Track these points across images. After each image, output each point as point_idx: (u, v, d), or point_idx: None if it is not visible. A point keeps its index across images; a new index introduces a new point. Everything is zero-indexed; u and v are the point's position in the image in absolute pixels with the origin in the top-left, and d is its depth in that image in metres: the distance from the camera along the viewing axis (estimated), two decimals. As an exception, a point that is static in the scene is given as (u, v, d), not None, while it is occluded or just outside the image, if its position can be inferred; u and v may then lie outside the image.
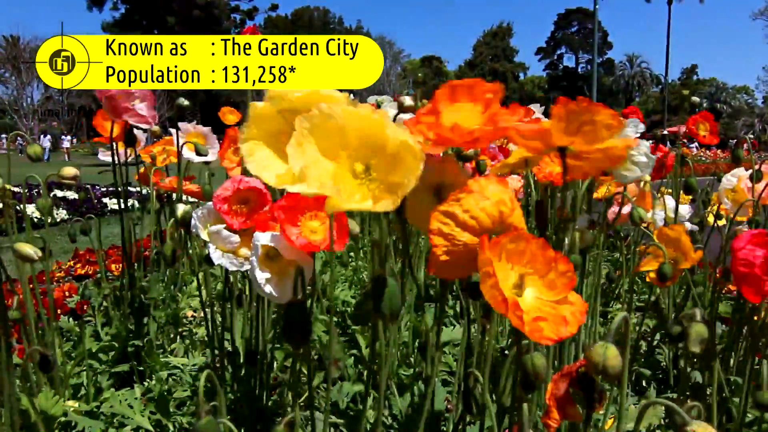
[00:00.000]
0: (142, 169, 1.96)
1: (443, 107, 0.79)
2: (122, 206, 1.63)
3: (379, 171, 0.57)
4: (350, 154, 0.57)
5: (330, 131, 0.56)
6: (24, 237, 1.46)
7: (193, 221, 1.01)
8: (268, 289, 0.80)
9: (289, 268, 0.82)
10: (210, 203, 1.01)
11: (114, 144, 1.58)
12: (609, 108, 0.62)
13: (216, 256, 0.97)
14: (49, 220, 1.41)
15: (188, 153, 1.94)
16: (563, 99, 0.63)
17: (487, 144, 0.82)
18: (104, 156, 1.89)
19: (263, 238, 0.80)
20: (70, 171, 1.25)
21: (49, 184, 7.05)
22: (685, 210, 1.59)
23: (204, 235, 1.00)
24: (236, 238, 0.97)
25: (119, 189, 1.64)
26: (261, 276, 0.80)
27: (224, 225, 0.97)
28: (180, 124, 1.97)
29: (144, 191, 2.28)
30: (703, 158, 16.67)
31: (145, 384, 1.46)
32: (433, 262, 0.62)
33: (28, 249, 0.82)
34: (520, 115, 0.68)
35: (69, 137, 22.89)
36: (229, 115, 2.35)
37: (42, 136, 22.07)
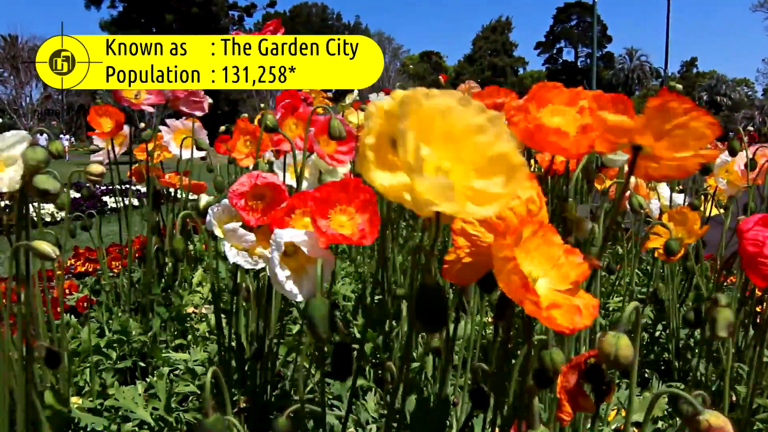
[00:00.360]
0: (134, 167, 1.95)
1: (537, 108, 0.75)
2: (123, 203, 1.63)
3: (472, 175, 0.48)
4: (444, 154, 0.48)
5: (427, 127, 0.46)
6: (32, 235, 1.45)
7: (208, 218, 1.00)
8: (288, 286, 0.79)
9: (306, 266, 0.81)
10: (225, 200, 1.00)
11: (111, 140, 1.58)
12: (709, 114, 0.59)
13: (231, 254, 0.96)
14: (49, 219, 1.40)
15: (176, 149, 1.94)
16: (664, 91, 0.59)
17: (576, 157, 0.76)
18: (98, 157, 1.89)
19: (286, 235, 0.79)
20: (97, 168, 1.25)
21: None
22: (680, 199, 1.59)
23: (219, 232, 1.00)
24: (252, 236, 0.96)
25: (115, 186, 1.64)
26: (282, 274, 0.78)
27: (240, 223, 0.96)
28: (168, 121, 1.96)
29: (142, 189, 2.27)
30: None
31: (148, 380, 1.46)
32: (450, 267, 0.59)
33: (46, 247, 0.81)
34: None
35: (67, 137, 22.56)
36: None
37: (39, 135, 21.75)
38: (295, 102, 1.40)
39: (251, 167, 1.42)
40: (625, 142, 0.64)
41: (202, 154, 2.06)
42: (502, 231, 0.56)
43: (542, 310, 0.50)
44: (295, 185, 1.27)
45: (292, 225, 0.85)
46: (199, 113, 1.64)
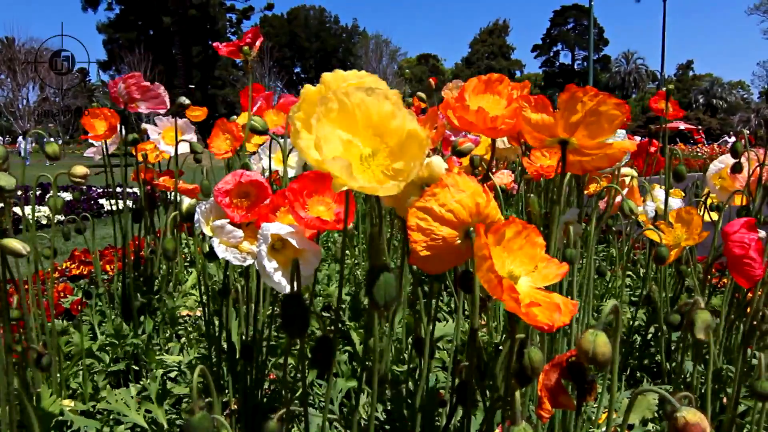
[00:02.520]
0: (133, 171, 1.96)
1: (470, 96, 0.81)
2: (117, 206, 1.63)
3: (385, 156, 0.59)
4: (360, 138, 0.59)
5: (343, 116, 0.58)
6: (23, 237, 1.46)
7: (196, 216, 1.01)
8: (276, 278, 0.81)
9: (294, 259, 0.83)
10: (212, 198, 1.01)
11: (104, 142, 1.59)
12: (614, 96, 0.64)
13: (220, 250, 0.98)
14: (45, 222, 1.41)
15: (166, 146, 1.95)
16: (572, 86, 0.64)
17: (506, 135, 0.85)
18: (90, 153, 1.90)
19: (273, 228, 0.81)
20: (80, 170, 1.25)
21: (46, 186, 7.04)
22: (676, 203, 1.60)
23: (207, 230, 1.01)
24: (240, 232, 0.97)
25: (112, 189, 1.64)
26: (270, 266, 0.80)
27: (227, 219, 0.98)
28: (156, 119, 1.97)
29: (138, 191, 2.28)
30: (700, 154, 16.70)
31: (141, 383, 1.47)
32: (412, 259, 0.63)
33: (16, 244, 0.81)
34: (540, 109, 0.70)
35: (54, 139, 21.90)
36: (194, 112, 2.40)
37: (21, 137, 20.67)
38: (221, 123, 1.49)
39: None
40: (549, 137, 0.69)
41: (186, 148, 2.06)
42: (455, 224, 0.60)
43: (522, 306, 0.51)
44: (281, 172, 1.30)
45: (278, 221, 0.87)
46: (162, 109, 1.65)
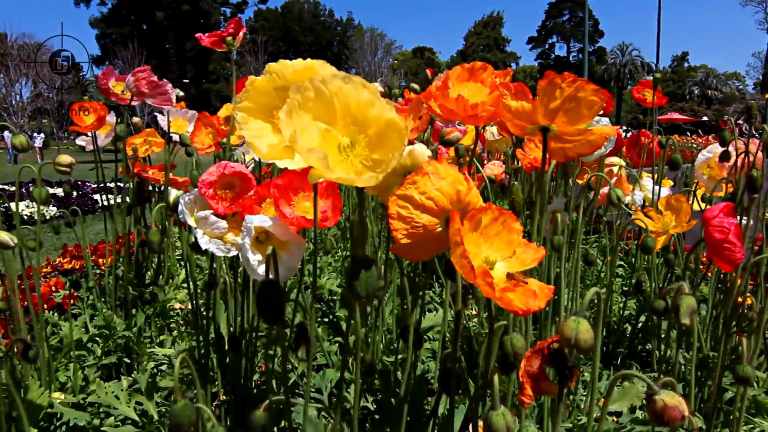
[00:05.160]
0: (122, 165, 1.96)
1: (453, 85, 0.82)
2: (108, 200, 1.63)
3: (364, 146, 0.58)
4: (338, 128, 0.58)
5: (320, 105, 0.57)
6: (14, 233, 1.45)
7: (180, 207, 1.01)
8: (261, 270, 0.80)
9: (278, 251, 0.83)
10: (196, 190, 1.01)
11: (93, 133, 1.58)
12: (591, 83, 0.64)
13: (203, 241, 0.98)
14: (37, 216, 1.40)
15: (174, 135, 1.95)
16: (550, 72, 0.64)
17: (488, 122, 0.86)
18: (82, 141, 1.89)
19: (256, 220, 0.81)
20: (65, 159, 1.24)
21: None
22: (665, 192, 1.60)
23: (191, 221, 1.01)
24: (224, 223, 0.97)
25: (106, 184, 1.64)
26: (253, 258, 0.80)
27: (212, 211, 0.98)
28: (167, 109, 1.97)
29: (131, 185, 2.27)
30: (694, 145, 16.74)
31: (132, 376, 1.47)
32: (395, 247, 0.63)
33: (4, 236, 0.81)
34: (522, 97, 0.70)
35: (41, 135, 21.23)
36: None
37: (3, 131, 20.00)
38: (204, 118, 1.48)
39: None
40: (530, 124, 0.69)
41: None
42: (436, 212, 0.59)
43: (496, 291, 0.51)
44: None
45: (263, 213, 0.87)
46: (167, 106, 1.64)
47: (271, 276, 0.71)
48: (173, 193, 1.14)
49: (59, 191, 6.79)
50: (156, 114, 1.99)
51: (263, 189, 0.93)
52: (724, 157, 1.40)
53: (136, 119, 1.99)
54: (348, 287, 0.63)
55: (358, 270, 0.62)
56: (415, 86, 2.19)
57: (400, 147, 0.56)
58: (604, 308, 0.69)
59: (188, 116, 1.91)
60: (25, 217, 5.34)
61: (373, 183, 0.56)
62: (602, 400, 1.36)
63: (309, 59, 0.66)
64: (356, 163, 0.58)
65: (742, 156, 1.42)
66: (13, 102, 25.46)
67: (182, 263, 2.40)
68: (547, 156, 0.74)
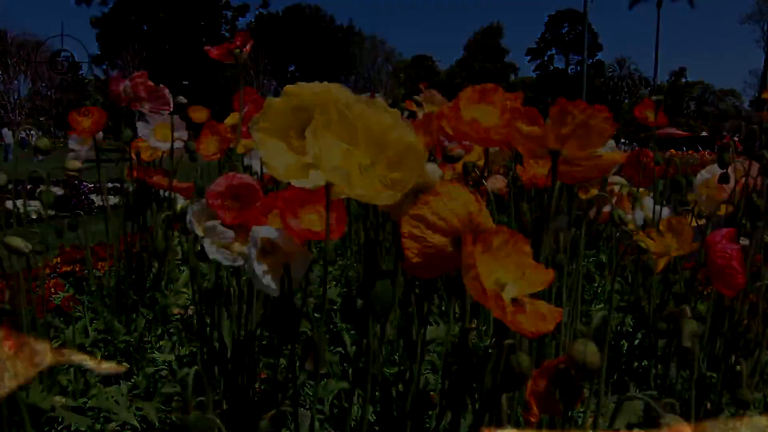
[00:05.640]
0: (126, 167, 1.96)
1: (465, 106, 0.84)
2: (107, 202, 1.63)
3: (384, 167, 0.61)
4: (360, 149, 0.61)
5: (343, 127, 0.59)
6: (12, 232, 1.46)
7: (187, 216, 1.02)
8: (266, 281, 0.82)
9: (285, 261, 0.84)
10: (204, 200, 1.02)
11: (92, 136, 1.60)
12: (604, 111, 0.66)
13: (211, 251, 0.99)
14: (35, 217, 1.41)
15: (156, 142, 1.95)
16: (562, 100, 0.66)
17: (499, 144, 0.88)
18: (74, 144, 1.89)
19: (262, 231, 0.82)
20: (74, 164, 1.25)
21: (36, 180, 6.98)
22: (666, 213, 1.62)
23: (199, 231, 1.02)
24: (231, 233, 0.99)
25: (104, 185, 1.64)
26: (259, 269, 0.82)
27: (219, 221, 0.99)
28: (148, 116, 1.97)
29: (130, 187, 2.27)
30: (691, 161, 16.83)
31: (132, 380, 1.47)
32: (406, 266, 0.65)
33: (19, 242, 0.82)
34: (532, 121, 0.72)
35: (39, 133, 21.12)
36: (197, 114, 2.40)
37: (3, 129, 19.99)
38: (210, 125, 1.50)
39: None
40: (540, 148, 0.72)
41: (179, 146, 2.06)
42: (447, 232, 0.63)
43: (507, 314, 0.53)
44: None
45: (269, 223, 0.88)
46: (166, 110, 1.66)
47: (280, 291, 0.72)
48: (180, 202, 1.15)
49: (57, 190, 6.78)
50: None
51: (270, 200, 0.94)
52: (723, 179, 1.42)
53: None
54: (364, 303, 0.64)
55: (374, 286, 0.64)
56: (418, 98, 2.21)
57: (418, 168, 0.59)
58: (607, 330, 0.70)
59: (170, 121, 1.91)
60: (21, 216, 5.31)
61: (392, 201, 0.58)
62: (601, 417, 1.38)
63: (326, 82, 0.68)
64: (375, 182, 0.60)
65: (742, 180, 1.44)
66: (12, 99, 25.42)
67: (182, 268, 2.40)
68: (555, 178, 0.75)
